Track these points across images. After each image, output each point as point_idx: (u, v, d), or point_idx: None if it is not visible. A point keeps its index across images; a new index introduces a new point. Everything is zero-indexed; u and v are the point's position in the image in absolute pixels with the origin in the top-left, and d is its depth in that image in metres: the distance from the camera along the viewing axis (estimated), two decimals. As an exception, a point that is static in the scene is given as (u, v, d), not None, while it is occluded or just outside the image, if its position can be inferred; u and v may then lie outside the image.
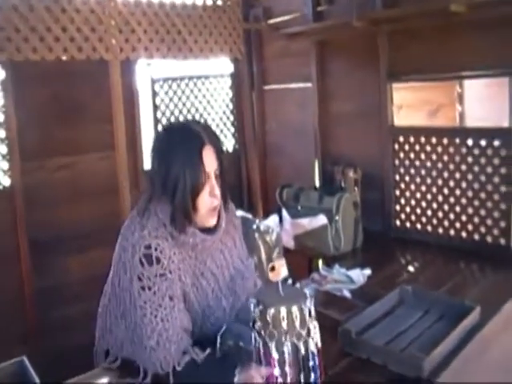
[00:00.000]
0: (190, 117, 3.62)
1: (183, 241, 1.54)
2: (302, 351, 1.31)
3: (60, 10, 2.71)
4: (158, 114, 3.45)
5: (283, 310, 1.29)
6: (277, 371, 1.32)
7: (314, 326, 1.34)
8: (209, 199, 1.53)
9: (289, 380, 1.33)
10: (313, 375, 1.34)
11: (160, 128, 1.72)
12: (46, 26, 2.66)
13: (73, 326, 2.85)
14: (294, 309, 1.30)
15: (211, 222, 1.59)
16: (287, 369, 1.32)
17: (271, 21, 3.72)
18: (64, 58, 2.74)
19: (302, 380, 1.34)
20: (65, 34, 2.72)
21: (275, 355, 1.31)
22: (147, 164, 3.33)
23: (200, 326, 1.63)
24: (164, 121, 3.47)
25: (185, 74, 3.63)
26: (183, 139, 1.51)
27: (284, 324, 1.29)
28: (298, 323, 1.30)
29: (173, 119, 3.51)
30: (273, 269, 1.37)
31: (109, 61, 2.91)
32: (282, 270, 1.38)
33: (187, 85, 3.62)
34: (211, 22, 3.37)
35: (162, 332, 1.47)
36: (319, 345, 1.36)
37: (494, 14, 2.56)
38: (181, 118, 3.56)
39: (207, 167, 1.50)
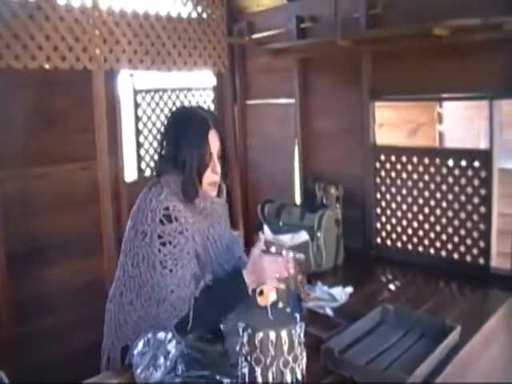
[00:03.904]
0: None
1: (194, 205, 1.75)
2: (288, 379, 1.29)
3: (44, 18, 2.67)
4: (140, 125, 3.42)
5: (272, 335, 1.27)
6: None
7: (301, 351, 1.32)
8: (211, 175, 1.76)
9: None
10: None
11: (170, 112, 2.02)
12: (29, 34, 2.62)
13: (51, 337, 2.80)
14: (283, 333, 1.28)
15: (212, 193, 1.82)
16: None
17: (255, 36, 3.74)
18: (47, 66, 2.69)
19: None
20: (48, 42, 2.68)
21: (260, 380, 1.29)
22: (129, 175, 3.31)
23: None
24: (146, 132, 3.44)
25: (167, 85, 3.61)
26: (193, 122, 1.74)
27: (272, 349, 1.27)
28: (286, 348, 1.28)
29: (154, 131, 3.48)
30: (261, 293, 1.37)
31: (92, 71, 2.88)
32: (270, 294, 1.37)
33: (170, 97, 3.60)
34: (196, 35, 3.36)
35: (181, 277, 1.65)
36: (304, 371, 1.34)
37: (475, 38, 2.60)
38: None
39: (212, 148, 1.74)
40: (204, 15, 3.45)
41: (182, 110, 1.99)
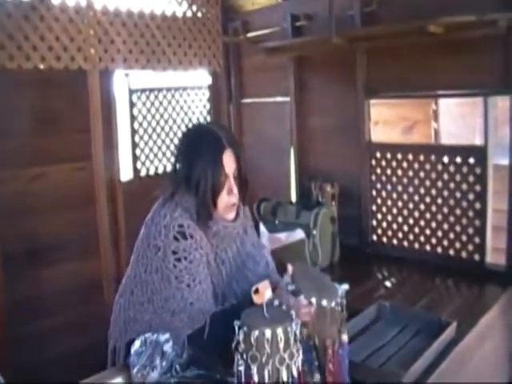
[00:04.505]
0: (167, 128, 3.59)
1: (207, 228, 1.69)
2: (284, 377, 1.29)
3: (38, 18, 2.67)
4: (136, 125, 3.41)
5: (268, 332, 1.27)
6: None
7: (298, 349, 1.33)
8: (227, 197, 1.68)
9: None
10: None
11: (185, 129, 1.92)
12: (23, 34, 2.62)
13: (48, 338, 2.79)
14: (279, 331, 1.28)
15: (230, 216, 1.74)
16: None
17: (250, 34, 3.74)
18: (42, 66, 2.70)
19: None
20: (43, 42, 2.68)
21: (256, 379, 1.29)
22: (124, 174, 3.31)
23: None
24: (141, 132, 3.44)
25: (163, 84, 3.60)
26: (207, 142, 1.67)
27: (267, 346, 1.27)
28: (282, 346, 1.28)
29: (150, 130, 3.48)
30: (256, 291, 1.36)
31: (87, 70, 2.88)
32: (266, 292, 1.37)
33: (165, 96, 3.60)
34: (191, 34, 3.36)
35: (201, 293, 1.62)
36: (300, 368, 1.35)
37: (470, 35, 2.61)
38: (158, 130, 3.53)
39: (227, 169, 1.66)
40: (199, 14, 3.45)
41: (196, 129, 1.90)
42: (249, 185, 1.79)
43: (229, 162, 1.67)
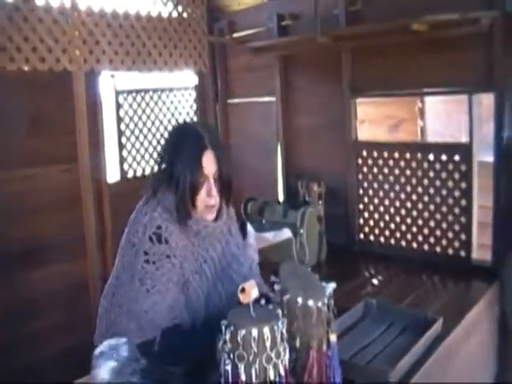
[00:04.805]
0: (153, 129, 3.58)
1: (187, 228, 1.68)
2: (271, 375, 1.30)
3: (22, 19, 2.64)
4: (122, 126, 3.41)
5: (254, 331, 1.27)
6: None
7: (284, 348, 1.33)
8: (206, 198, 1.67)
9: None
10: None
11: (170, 128, 1.90)
12: (7, 35, 2.59)
13: (36, 340, 2.78)
14: (266, 329, 1.27)
15: (209, 217, 1.72)
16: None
17: (236, 34, 3.74)
18: (26, 68, 2.68)
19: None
20: (27, 43, 2.66)
21: (243, 378, 1.29)
22: (111, 176, 3.30)
23: (202, 313, 1.73)
24: (128, 133, 3.43)
25: (149, 86, 3.59)
26: (188, 141, 1.67)
27: (254, 345, 1.27)
28: (268, 344, 1.28)
29: (137, 132, 3.47)
30: (243, 290, 1.36)
31: (72, 72, 2.86)
32: (252, 291, 1.37)
33: (151, 97, 3.59)
34: (176, 34, 3.35)
35: (157, 302, 1.60)
36: (287, 366, 1.35)
37: (454, 33, 2.63)
38: (145, 131, 3.52)
39: (206, 170, 1.64)
40: (184, 15, 3.45)
41: (180, 127, 1.88)
42: (232, 187, 1.77)
43: (209, 163, 1.65)
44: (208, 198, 1.66)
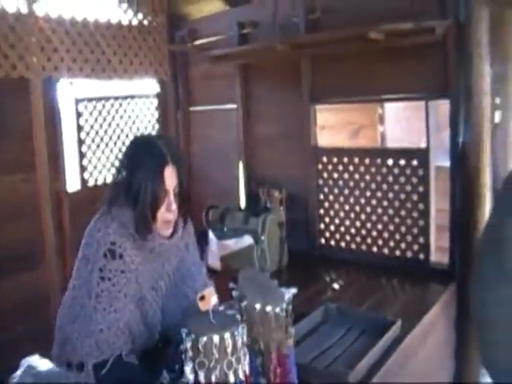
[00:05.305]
0: (115, 137, 3.55)
1: (143, 243, 1.67)
2: (231, 380, 1.30)
3: (-24, 26, 2.62)
4: (82, 135, 3.36)
5: (216, 338, 1.28)
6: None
7: (245, 353, 1.34)
8: (165, 213, 1.66)
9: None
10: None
11: (132, 139, 1.87)
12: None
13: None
14: (227, 335, 1.28)
15: (166, 232, 1.72)
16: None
17: (197, 42, 3.73)
18: (-20, 75, 2.64)
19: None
20: (-18, 50, 2.63)
21: (202, 382, 1.29)
22: (71, 185, 3.26)
23: (158, 328, 1.75)
24: (88, 141, 3.39)
25: (110, 93, 3.56)
26: (150, 155, 1.64)
27: (216, 352, 1.28)
28: (229, 350, 1.29)
29: (97, 140, 3.43)
30: (202, 298, 1.37)
31: (30, 79, 2.83)
32: (211, 298, 1.38)
33: (113, 105, 3.56)
34: (136, 42, 3.36)
35: (113, 321, 1.58)
36: (247, 371, 1.36)
37: (410, 42, 2.68)
38: (106, 139, 3.49)
39: (167, 185, 1.63)
40: (145, 22, 3.45)
41: (141, 140, 1.84)
42: (189, 202, 1.79)
43: (170, 178, 1.64)
44: (167, 212, 1.66)
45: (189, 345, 1.30)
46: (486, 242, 2.22)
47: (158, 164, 1.63)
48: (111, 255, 1.60)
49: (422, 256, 2.85)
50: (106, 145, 3.51)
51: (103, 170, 3.48)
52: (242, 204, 3.59)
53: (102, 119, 3.49)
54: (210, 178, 3.80)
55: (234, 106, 3.62)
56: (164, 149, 1.66)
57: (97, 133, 3.45)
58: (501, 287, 2.04)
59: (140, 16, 3.42)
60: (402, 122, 4.14)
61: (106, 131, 3.51)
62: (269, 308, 1.47)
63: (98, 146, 3.45)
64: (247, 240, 2.91)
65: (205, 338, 1.27)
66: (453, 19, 2.58)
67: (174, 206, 1.67)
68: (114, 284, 1.60)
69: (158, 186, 1.62)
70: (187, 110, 3.96)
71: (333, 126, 3.63)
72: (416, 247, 2.87)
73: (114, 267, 1.60)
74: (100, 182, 3.45)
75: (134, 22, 3.40)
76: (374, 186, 3.00)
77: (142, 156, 1.65)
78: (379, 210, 3.00)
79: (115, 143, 3.57)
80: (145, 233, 1.65)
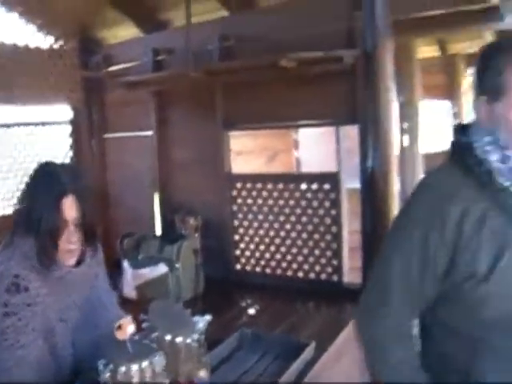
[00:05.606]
0: (26, 165, 3.41)
1: (49, 273, 1.58)
2: (151, 409, 1.27)
3: None
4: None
5: (134, 367, 1.24)
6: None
7: (163, 379, 1.31)
8: (66, 244, 1.58)
9: None
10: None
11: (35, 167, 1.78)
12: None
13: None
14: (145, 364, 1.26)
15: (69, 261, 1.63)
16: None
17: (112, 68, 3.68)
18: None
19: None
20: None
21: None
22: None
23: (68, 361, 1.66)
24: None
25: (20, 119, 3.43)
26: (47, 185, 1.58)
27: (135, 382, 1.24)
28: (148, 379, 1.26)
29: (5, 168, 3.29)
30: (119, 327, 1.33)
31: None
32: (128, 327, 1.35)
33: (23, 131, 3.42)
34: (46, 67, 3.25)
35: (22, 357, 1.51)
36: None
37: (321, 70, 2.78)
38: (16, 167, 3.34)
39: (66, 216, 1.55)
40: (55, 46, 3.35)
41: (42, 169, 1.74)
42: (96, 233, 1.69)
43: (70, 208, 1.57)
44: (67, 243, 1.59)
45: (107, 375, 1.26)
46: None
47: (56, 194, 1.56)
48: (15, 289, 1.52)
49: (335, 278, 2.91)
50: (15, 174, 3.36)
51: (12, 199, 3.34)
52: (158, 231, 3.54)
53: (12, 146, 3.34)
54: (127, 205, 3.73)
55: (149, 132, 3.59)
56: (65, 178, 1.59)
57: (4, 161, 3.31)
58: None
59: (51, 39, 3.33)
60: (316, 147, 4.23)
61: (15, 159, 3.37)
62: (179, 339, 1.45)
63: (6, 177, 3.30)
64: (162, 268, 2.87)
65: (123, 368, 1.24)
66: (361, 49, 2.69)
67: (75, 238, 1.59)
68: (19, 318, 1.52)
69: (56, 217, 1.55)
70: (102, 136, 3.88)
71: (251, 151, 3.66)
72: (330, 269, 2.93)
73: (19, 301, 1.52)
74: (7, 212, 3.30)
75: (45, 46, 3.30)
76: (287, 210, 3.05)
77: (40, 186, 1.60)
78: (293, 235, 3.04)
79: (25, 171, 3.42)
80: (47, 263, 1.57)
